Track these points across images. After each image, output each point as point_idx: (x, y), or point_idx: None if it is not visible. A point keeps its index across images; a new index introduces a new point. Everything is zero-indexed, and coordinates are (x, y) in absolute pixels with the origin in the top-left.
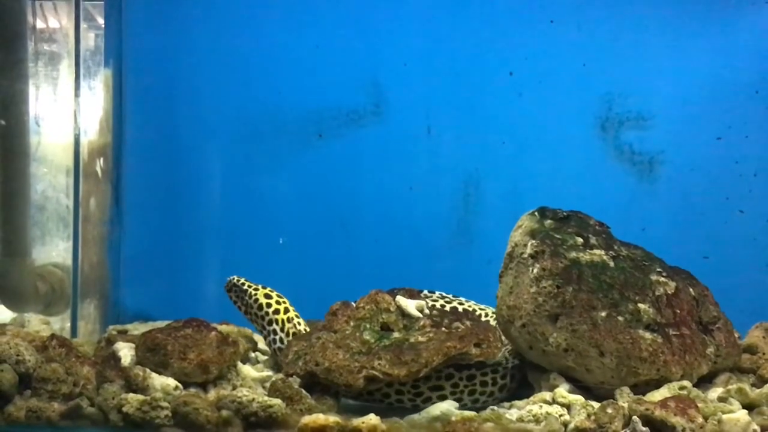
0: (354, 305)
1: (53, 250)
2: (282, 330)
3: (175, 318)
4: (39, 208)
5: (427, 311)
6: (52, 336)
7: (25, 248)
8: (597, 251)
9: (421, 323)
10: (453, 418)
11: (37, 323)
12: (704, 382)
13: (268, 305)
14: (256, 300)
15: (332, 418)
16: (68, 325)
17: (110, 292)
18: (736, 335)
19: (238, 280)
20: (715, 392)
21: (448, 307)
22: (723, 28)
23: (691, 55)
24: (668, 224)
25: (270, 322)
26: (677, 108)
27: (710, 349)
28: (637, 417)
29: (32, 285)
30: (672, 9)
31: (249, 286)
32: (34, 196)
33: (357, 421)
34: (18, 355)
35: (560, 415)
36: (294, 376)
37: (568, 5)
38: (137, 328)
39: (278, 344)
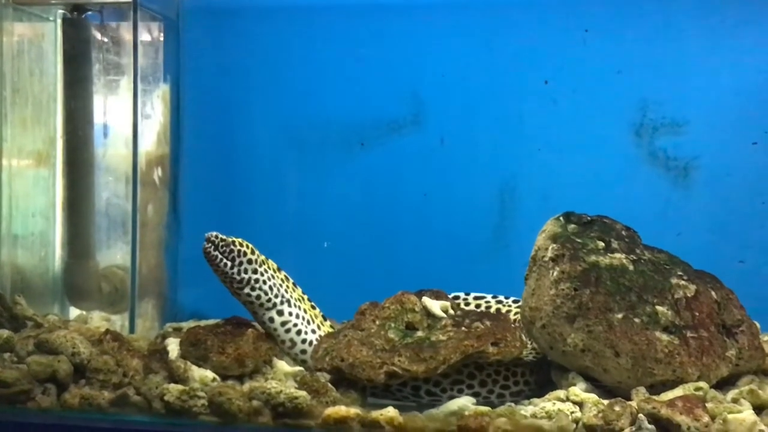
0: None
1: (117, 253)
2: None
3: (228, 316)
4: (104, 215)
5: (451, 311)
6: (107, 331)
7: (90, 251)
8: (617, 255)
9: (443, 323)
10: (466, 413)
11: (98, 320)
12: (727, 384)
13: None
14: (253, 251)
15: (353, 410)
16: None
17: (167, 292)
18: (766, 338)
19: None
20: (734, 394)
21: (489, 307)
22: (757, 33)
23: (725, 60)
24: (704, 229)
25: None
26: (712, 113)
27: (731, 352)
28: (644, 415)
29: (96, 285)
30: (705, 15)
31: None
32: (100, 203)
33: (376, 413)
34: (73, 348)
35: (572, 412)
36: (322, 371)
37: (602, 14)
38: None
39: (278, 293)
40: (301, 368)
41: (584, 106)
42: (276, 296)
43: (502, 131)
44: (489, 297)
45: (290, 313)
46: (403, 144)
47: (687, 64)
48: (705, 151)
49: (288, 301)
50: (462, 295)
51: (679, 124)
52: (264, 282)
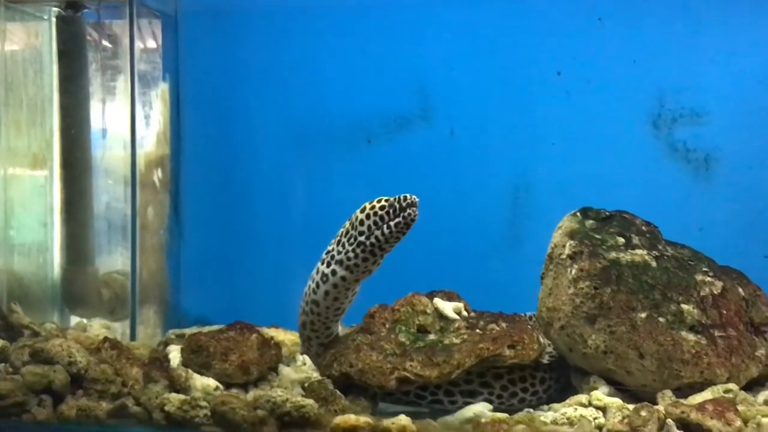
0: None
1: (117, 258)
2: None
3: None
4: (103, 218)
5: (464, 313)
6: (105, 339)
7: (89, 256)
8: (639, 251)
9: (456, 325)
10: (483, 420)
11: (98, 328)
12: (756, 385)
13: None
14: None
15: (363, 419)
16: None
17: (170, 297)
18: None
19: None
20: (765, 396)
21: None
22: None
23: (746, 47)
24: (726, 223)
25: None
26: (733, 103)
27: (761, 351)
28: (673, 420)
29: (96, 292)
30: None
31: None
32: (99, 207)
33: (387, 422)
34: (70, 357)
35: (595, 418)
36: (330, 378)
37: (616, 1)
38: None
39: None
40: (308, 375)
41: (599, 97)
42: None
43: (514, 125)
44: None
45: None
46: (411, 140)
47: (706, 51)
48: (726, 142)
49: None
50: None
51: (698, 115)
52: None
